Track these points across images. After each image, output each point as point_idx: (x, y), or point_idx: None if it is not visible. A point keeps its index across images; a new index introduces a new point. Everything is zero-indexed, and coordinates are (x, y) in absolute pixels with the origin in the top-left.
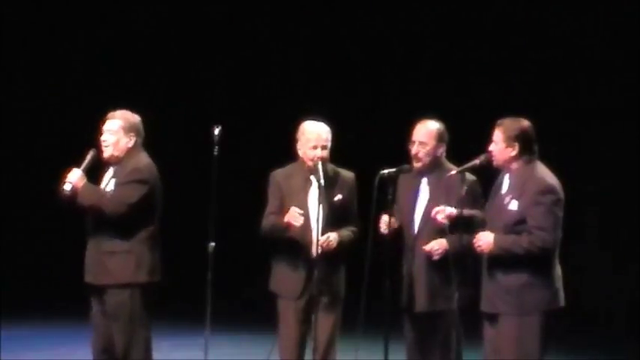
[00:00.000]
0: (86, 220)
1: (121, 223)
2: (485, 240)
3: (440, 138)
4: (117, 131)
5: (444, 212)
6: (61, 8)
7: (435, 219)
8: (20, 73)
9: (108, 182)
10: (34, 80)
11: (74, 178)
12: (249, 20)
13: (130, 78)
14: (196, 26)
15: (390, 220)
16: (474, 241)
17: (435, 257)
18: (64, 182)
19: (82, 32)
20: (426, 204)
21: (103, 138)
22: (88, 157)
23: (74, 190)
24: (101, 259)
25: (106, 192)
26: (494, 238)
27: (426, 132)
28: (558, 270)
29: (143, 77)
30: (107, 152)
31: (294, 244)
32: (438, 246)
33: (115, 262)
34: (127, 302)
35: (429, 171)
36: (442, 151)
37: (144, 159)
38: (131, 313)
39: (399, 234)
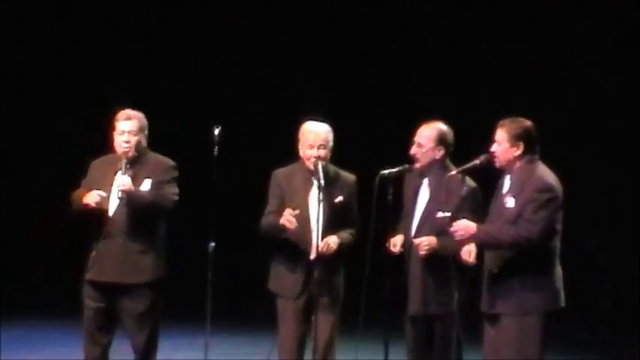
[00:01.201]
0: (101, 221)
1: (159, 220)
2: (464, 227)
3: (439, 141)
4: (137, 132)
5: (426, 244)
6: (60, 6)
7: (437, 221)
8: (19, 71)
9: (133, 181)
10: (33, 79)
11: (128, 184)
12: (249, 20)
13: (130, 78)
14: (196, 26)
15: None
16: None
17: (421, 253)
18: (118, 191)
19: (82, 31)
20: (425, 205)
21: (125, 139)
22: (124, 161)
23: (127, 195)
24: (132, 259)
25: (148, 191)
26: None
27: (426, 134)
28: (559, 270)
29: (143, 77)
30: (131, 152)
31: (293, 245)
32: (427, 242)
33: (147, 261)
34: (155, 300)
35: (429, 172)
36: (442, 154)
37: (163, 156)
38: (157, 311)
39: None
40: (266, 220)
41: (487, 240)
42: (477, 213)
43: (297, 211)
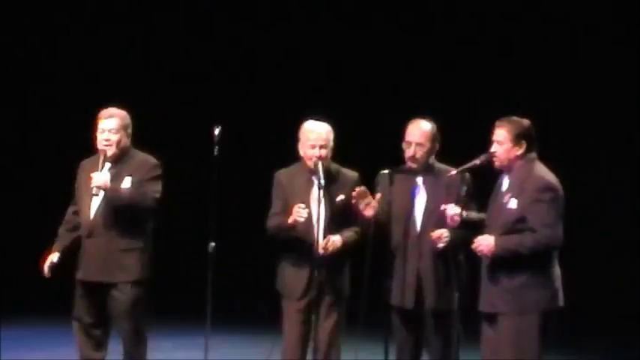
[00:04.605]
0: (86, 221)
1: (143, 219)
2: (485, 243)
3: (435, 138)
4: (118, 130)
5: (446, 235)
6: (60, 4)
7: (443, 217)
8: (19, 69)
9: (115, 179)
10: (33, 78)
11: (102, 181)
12: (250, 20)
13: (130, 77)
14: (196, 25)
15: (378, 198)
16: (474, 245)
17: (441, 245)
18: (93, 187)
19: (82, 30)
20: (425, 203)
21: (105, 137)
22: (102, 159)
23: (104, 191)
24: (115, 257)
25: (128, 189)
26: (496, 240)
27: (423, 133)
28: (557, 269)
29: (143, 77)
30: (110, 151)
31: (297, 245)
32: (447, 233)
33: (132, 259)
34: (141, 298)
35: (423, 171)
36: (436, 150)
37: (147, 155)
38: (144, 309)
39: (382, 232)
40: (272, 222)
41: (505, 255)
42: (472, 204)
43: (307, 209)
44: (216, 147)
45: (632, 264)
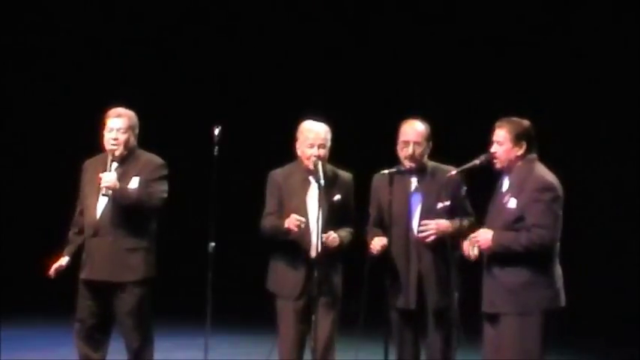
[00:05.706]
0: (91, 220)
1: (148, 218)
2: (483, 237)
3: (429, 137)
4: (126, 130)
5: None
6: (61, 4)
7: (440, 216)
8: (19, 68)
9: (122, 179)
10: (33, 76)
11: (111, 181)
12: (249, 19)
13: (131, 77)
14: (197, 25)
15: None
16: (472, 237)
17: (424, 235)
18: (102, 187)
19: (82, 29)
20: (422, 203)
21: (114, 136)
22: (110, 158)
23: (112, 191)
24: (121, 257)
25: (135, 189)
26: (493, 235)
27: (419, 132)
28: (559, 269)
29: (143, 76)
30: (118, 150)
31: (293, 245)
32: (432, 223)
33: (137, 259)
34: (146, 298)
35: (418, 171)
36: (430, 149)
37: (153, 155)
38: (149, 308)
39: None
40: (267, 222)
41: (501, 250)
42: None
43: (303, 219)
44: (216, 147)
45: (632, 264)
